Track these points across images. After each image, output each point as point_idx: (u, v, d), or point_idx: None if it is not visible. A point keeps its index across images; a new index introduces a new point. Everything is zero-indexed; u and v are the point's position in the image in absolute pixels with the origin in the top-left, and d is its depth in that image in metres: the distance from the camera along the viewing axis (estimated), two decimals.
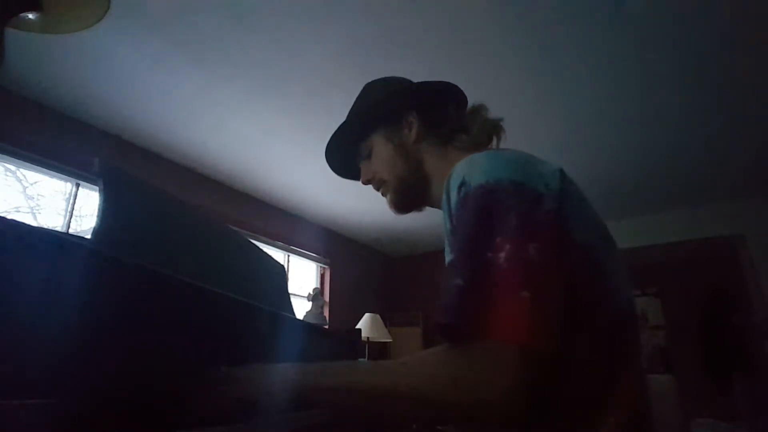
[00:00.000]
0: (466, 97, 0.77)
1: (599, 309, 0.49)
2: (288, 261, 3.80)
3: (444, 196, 0.56)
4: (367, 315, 3.80)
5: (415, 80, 0.78)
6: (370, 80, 0.82)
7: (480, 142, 0.70)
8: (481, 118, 0.71)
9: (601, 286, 0.50)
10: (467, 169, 0.52)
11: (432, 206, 0.74)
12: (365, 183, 0.79)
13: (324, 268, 4.18)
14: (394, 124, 0.74)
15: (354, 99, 0.81)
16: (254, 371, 0.54)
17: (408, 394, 0.46)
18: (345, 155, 0.82)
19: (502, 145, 0.70)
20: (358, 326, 3.68)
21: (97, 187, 0.55)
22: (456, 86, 0.75)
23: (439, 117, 0.74)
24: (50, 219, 2.39)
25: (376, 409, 0.50)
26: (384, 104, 0.74)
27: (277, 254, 3.65)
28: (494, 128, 0.70)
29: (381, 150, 0.74)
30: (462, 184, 0.51)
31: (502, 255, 0.43)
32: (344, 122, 0.77)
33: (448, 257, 0.59)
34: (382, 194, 0.78)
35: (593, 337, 0.48)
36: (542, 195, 0.48)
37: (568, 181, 0.52)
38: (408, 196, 0.75)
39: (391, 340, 3.98)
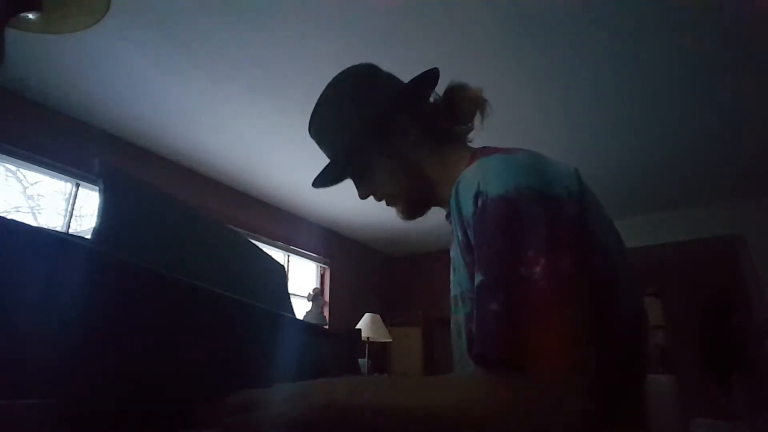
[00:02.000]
0: (438, 76, 0.70)
1: (615, 313, 0.48)
2: (288, 261, 3.80)
3: (453, 205, 0.52)
4: (367, 315, 3.80)
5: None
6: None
7: (469, 127, 0.68)
8: (464, 99, 0.68)
9: (617, 289, 0.49)
10: (480, 177, 0.49)
11: (438, 206, 0.71)
12: (363, 198, 0.74)
13: (324, 268, 4.18)
14: (386, 134, 0.68)
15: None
16: (272, 395, 0.47)
17: (457, 421, 0.40)
18: (335, 177, 0.77)
19: (486, 123, 0.68)
20: (358, 326, 3.68)
21: (97, 187, 0.55)
22: (431, 70, 0.69)
23: (427, 112, 0.70)
24: (50, 219, 2.39)
25: None
26: (374, 119, 0.67)
27: (277, 254, 3.65)
28: (477, 104, 0.67)
29: (378, 165, 0.69)
30: (478, 193, 0.48)
31: (538, 270, 0.41)
32: (331, 160, 0.71)
33: (455, 263, 0.57)
34: (388, 205, 0.73)
35: (607, 342, 0.46)
36: (564, 200, 0.46)
37: (583, 182, 0.51)
38: (419, 205, 0.72)
39: (391, 340, 3.98)
